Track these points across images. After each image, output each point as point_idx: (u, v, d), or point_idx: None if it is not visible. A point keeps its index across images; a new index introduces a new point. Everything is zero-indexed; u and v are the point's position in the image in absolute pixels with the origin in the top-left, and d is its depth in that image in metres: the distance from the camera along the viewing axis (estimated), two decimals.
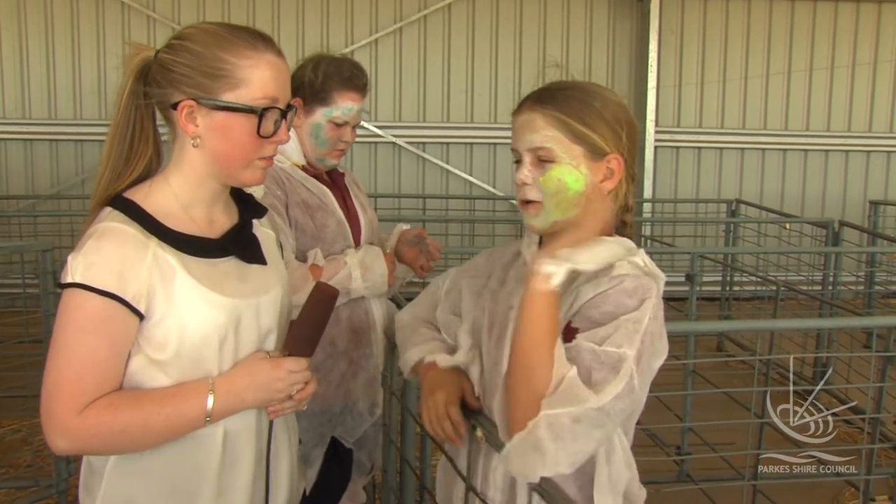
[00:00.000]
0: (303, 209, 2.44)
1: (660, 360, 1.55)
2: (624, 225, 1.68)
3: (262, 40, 1.53)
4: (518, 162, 1.62)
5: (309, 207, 2.46)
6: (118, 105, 1.54)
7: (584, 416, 1.41)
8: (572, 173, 1.57)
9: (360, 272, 2.43)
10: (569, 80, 1.67)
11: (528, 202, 1.61)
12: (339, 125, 2.46)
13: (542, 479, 1.43)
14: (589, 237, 1.59)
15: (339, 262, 2.43)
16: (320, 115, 2.45)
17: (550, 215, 1.59)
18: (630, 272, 1.53)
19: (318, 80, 2.43)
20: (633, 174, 1.65)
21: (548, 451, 1.42)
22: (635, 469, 1.69)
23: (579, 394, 1.43)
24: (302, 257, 2.41)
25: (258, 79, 1.50)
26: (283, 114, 1.54)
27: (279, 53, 1.55)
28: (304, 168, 2.51)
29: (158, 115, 1.58)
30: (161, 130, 1.60)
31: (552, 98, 1.60)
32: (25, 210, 7.12)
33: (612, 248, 1.54)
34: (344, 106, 2.45)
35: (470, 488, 1.71)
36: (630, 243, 1.62)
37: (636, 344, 1.46)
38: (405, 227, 2.69)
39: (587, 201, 1.59)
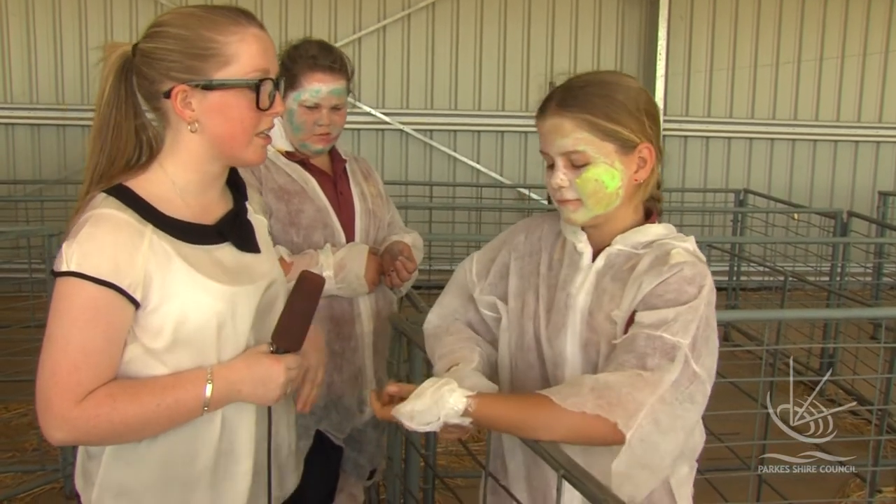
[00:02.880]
0: (278, 195, 2.40)
1: (716, 336, 1.58)
2: (654, 200, 1.72)
3: (243, 15, 1.51)
4: (551, 166, 1.63)
5: (286, 193, 2.42)
6: (98, 106, 1.52)
7: (657, 412, 1.46)
8: (608, 171, 1.59)
9: (334, 271, 2.36)
10: (586, 72, 1.67)
11: (566, 200, 1.63)
12: (310, 108, 2.41)
13: (570, 463, 1.45)
14: (631, 224, 1.66)
15: (310, 258, 2.37)
16: (290, 99, 2.41)
17: (591, 212, 1.63)
18: (687, 259, 1.57)
19: (285, 65, 2.40)
20: (661, 152, 1.68)
21: (653, 465, 1.48)
22: (705, 435, 1.78)
23: (638, 396, 1.46)
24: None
25: (246, 53, 1.48)
26: (276, 85, 1.53)
27: (262, 26, 1.53)
28: (288, 154, 2.47)
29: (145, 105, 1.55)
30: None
31: (575, 99, 1.60)
32: (33, 195, 7.13)
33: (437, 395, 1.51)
34: (311, 88, 2.40)
35: (489, 475, 1.73)
36: (674, 230, 1.67)
37: (691, 332, 1.50)
38: (402, 239, 2.61)
39: (625, 193, 1.63)
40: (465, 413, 1.49)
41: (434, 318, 1.91)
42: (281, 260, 2.28)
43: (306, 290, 1.57)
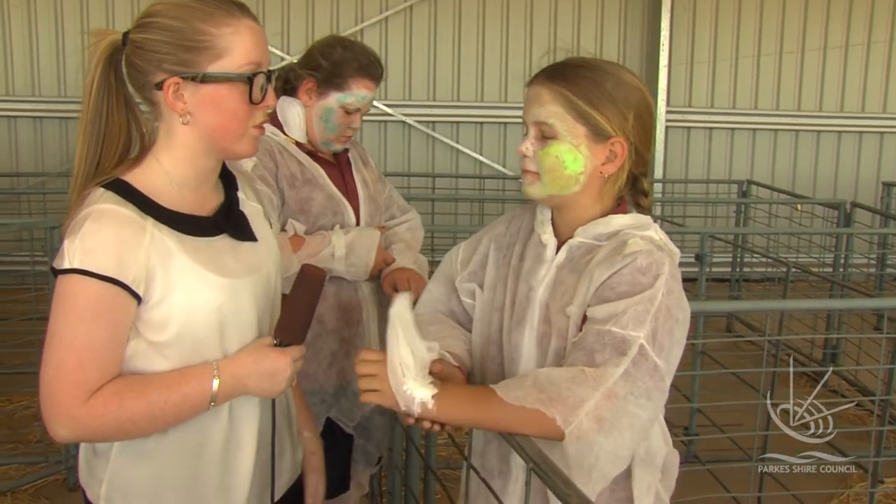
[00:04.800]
0: (290, 182, 2.42)
1: (683, 329, 1.54)
2: (641, 209, 1.68)
3: (237, 7, 1.50)
4: (526, 134, 1.63)
5: (296, 180, 2.43)
6: (87, 97, 1.49)
7: (602, 408, 1.42)
8: (571, 152, 1.57)
9: (345, 252, 2.39)
10: (590, 57, 1.65)
11: (527, 171, 1.62)
12: (349, 112, 2.45)
13: (540, 456, 1.42)
14: (595, 216, 1.62)
15: (324, 238, 2.40)
16: (333, 99, 2.43)
17: (546, 189, 1.60)
18: (643, 248, 1.52)
19: (336, 64, 2.42)
20: (647, 159, 1.64)
21: (588, 465, 1.44)
22: (671, 441, 1.71)
23: (579, 391, 1.42)
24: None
25: (240, 46, 1.47)
26: (268, 78, 1.52)
27: (255, 18, 1.52)
28: (299, 144, 2.49)
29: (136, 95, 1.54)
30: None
31: (563, 74, 1.59)
32: (35, 187, 7.13)
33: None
34: (358, 93, 2.44)
35: (470, 467, 1.72)
36: (645, 218, 1.62)
37: (647, 324, 1.45)
38: (401, 220, 2.66)
39: (587, 181, 1.59)
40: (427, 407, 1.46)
41: (419, 307, 1.91)
42: (293, 237, 2.33)
43: (308, 283, 1.57)
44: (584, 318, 1.53)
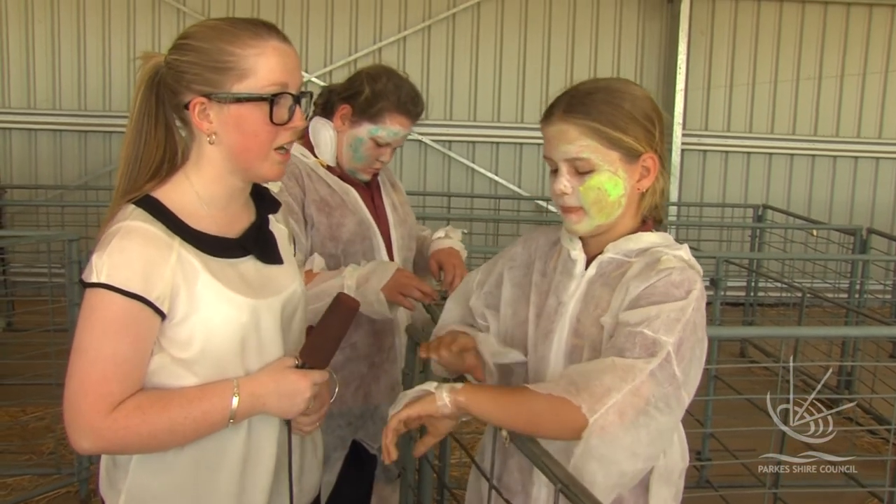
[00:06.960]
0: (320, 207, 2.39)
1: (704, 349, 1.56)
2: (655, 209, 1.71)
3: (264, 28, 1.52)
4: (555, 171, 1.63)
5: (327, 205, 2.41)
6: (131, 116, 1.54)
7: (626, 404, 1.43)
8: (612, 179, 1.59)
9: (355, 283, 2.27)
10: (593, 78, 1.66)
11: (569, 208, 1.63)
12: (380, 145, 2.42)
13: (569, 478, 1.41)
14: (625, 230, 1.65)
15: (336, 273, 2.32)
16: (365, 130, 2.40)
17: (594, 220, 1.62)
18: (676, 265, 1.56)
19: (376, 94, 2.39)
20: (665, 160, 1.68)
21: (607, 458, 1.45)
22: (688, 457, 1.73)
23: (607, 381, 1.44)
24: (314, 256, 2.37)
25: (264, 66, 1.49)
26: (297, 99, 1.54)
27: (284, 39, 1.54)
28: (328, 167, 2.47)
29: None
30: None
31: (582, 105, 1.59)
32: (53, 200, 7.19)
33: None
34: (391, 128, 2.41)
35: (493, 487, 1.72)
36: (671, 238, 1.66)
37: (676, 332, 1.48)
38: (446, 238, 2.61)
39: (627, 201, 1.62)
40: (458, 405, 1.47)
41: (439, 323, 1.94)
42: (307, 272, 2.28)
43: (341, 312, 1.59)
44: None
